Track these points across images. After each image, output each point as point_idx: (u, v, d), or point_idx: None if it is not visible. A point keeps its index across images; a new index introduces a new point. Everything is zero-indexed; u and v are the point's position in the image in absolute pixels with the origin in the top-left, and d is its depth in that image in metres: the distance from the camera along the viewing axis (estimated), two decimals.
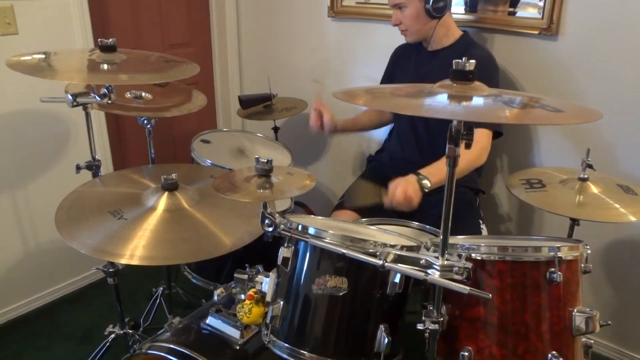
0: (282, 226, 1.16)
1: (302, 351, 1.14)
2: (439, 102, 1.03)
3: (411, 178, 1.58)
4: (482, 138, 1.75)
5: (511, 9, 2.00)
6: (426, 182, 1.58)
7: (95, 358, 1.86)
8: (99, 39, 1.52)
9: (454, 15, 1.94)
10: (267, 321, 1.18)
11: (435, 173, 1.61)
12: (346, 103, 1.09)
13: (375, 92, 1.21)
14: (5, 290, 2.26)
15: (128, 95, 1.86)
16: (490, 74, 1.80)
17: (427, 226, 1.65)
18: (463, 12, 2.12)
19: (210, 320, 1.36)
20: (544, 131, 2.08)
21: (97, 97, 1.46)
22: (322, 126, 2.05)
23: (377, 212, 1.77)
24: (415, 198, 1.54)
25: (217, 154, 2.02)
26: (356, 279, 1.13)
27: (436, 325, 1.07)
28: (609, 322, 1.28)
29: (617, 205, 1.44)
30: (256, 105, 2.47)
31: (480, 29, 2.09)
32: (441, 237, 1.01)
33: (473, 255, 1.15)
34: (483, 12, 2.08)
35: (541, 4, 1.92)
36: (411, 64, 2.01)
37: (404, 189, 1.53)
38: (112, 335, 1.85)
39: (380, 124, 2.25)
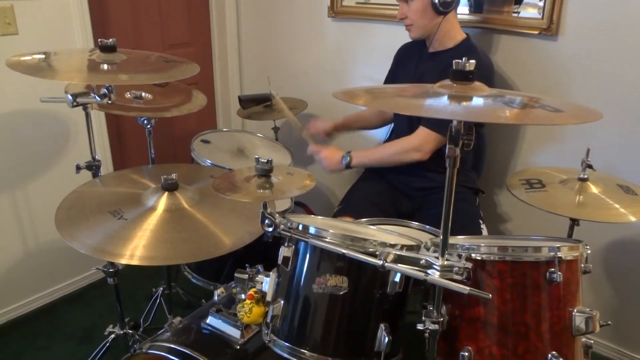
0: (282, 226, 1.16)
1: (302, 350, 1.14)
2: (439, 102, 1.03)
3: (337, 151, 1.97)
4: (424, 135, 1.83)
5: (516, 6, 2.00)
6: (345, 158, 1.93)
7: (95, 358, 1.86)
8: (99, 39, 1.51)
9: (458, 16, 1.93)
10: (268, 321, 1.18)
11: (361, 154, 1.95)
12: (346, 103, 1.09)
13: (376, 92, 1.21)
14: (6, 290, 2.26)
15: (128, 95, 1.86)
16: (484, 81, 1.80)
17: (427, 226, 1.65)
18: (467, 12, 2.12)
19: (210, 320, 1.36)
20: (544, 131, 2.08)
21: (97, 97, 1.46)
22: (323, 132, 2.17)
23: (380, 212, 1.78)
24: (324, 159, 1.99)
25: (217, 154, 2.02)
26: (356, 278, 1.13)
27: (436, 325, 1.07)
28: (609, 322, 1.28)
29: (617, 206, 1.44)
30: (256, 105, 2.47)
31: (482, 29, 2.09)
32: (441, 237, 1.01)
33: (473, 255, 1.15)
34: (488, 13, 2.08)
35: (541, 4, 1.92)
36: (412, 64, 2.00)
37: (321, 150, 2.00)
38: (112, 335, 1.85)
39: (383, 121, 2.25)
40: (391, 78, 2.14)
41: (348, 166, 1.94)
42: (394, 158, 1.91)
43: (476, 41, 1.93)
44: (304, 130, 2.19)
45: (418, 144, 1.84)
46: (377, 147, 2.12)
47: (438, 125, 1.78)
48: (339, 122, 2.19)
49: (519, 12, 1.99)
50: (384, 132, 2.28)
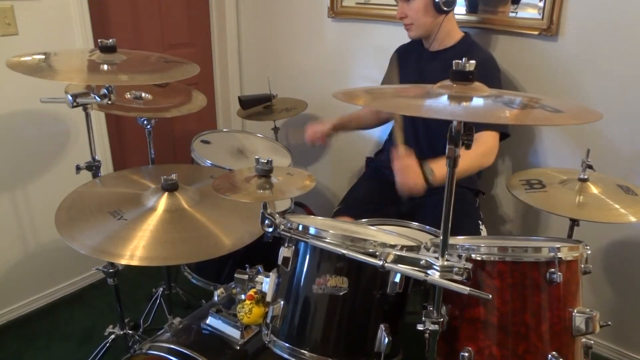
0: (282, 226, 1.16)
1: (302, 351, 1.14)
2: (439, 102, 1.03)
3: (417, 169, 1.60)
4: (488, 139, 1.75)
5: (514, 6, 1.99)
6: (429, 171, 1.59)
7: (95, 358, 1.86)
8: (99, 40, 1.52)
9: (455, 16, 1.93)
10: (268, 321, 1.18)
11: (441, 166, 1.59)
12: (346, 103, 1.09)
13: (375, 93, 1.21)
14: (6, 290, 2.26)
15: (128, 95, 1.86)
16: (491, 75, 1.80)
17: (427, 227, 1.65)
18: (464, 12, 2.12)
19: (210, 321, 1.36)
20: (544, 132, 2.08)
21: (97, 97, 1.46)
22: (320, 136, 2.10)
23: (380, 213, 1.77)
24: (414, 175, 1.58)
25: (217, 154, 2.02)
26: (356, 278, 1.13)
27: (436, 325, 1.07)
28: (609, 322, 1.28)
29: (617, 206, 1.44)
30: (256, 105, 2.47)
31: (481, 29, 2.09)
32: (441, 237, 1.01)
33: (473, 255, 1.15)
34: (484, 13, 2.08)
35: (541, 4, 1.92)
36: (413, 65, 2.00)
37: (408, 161, 1.60)
38: (112, 336, 1.85)
39: (379, 121, 2.25)
40: (389, 79, 2.13)
41: (429, 182, 1.60)
42: (476, 163, 1.74)
43: (475, 41, 1.93)
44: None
45: (489, 148, 1.75)
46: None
47: (495, 125, 1.76)
48: (336, 122, 2.18)
49: (516, 13, 1.99)
50: (383, 131, 2.28)
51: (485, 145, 1.74)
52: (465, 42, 1.89)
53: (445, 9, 1.79)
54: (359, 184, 2.14)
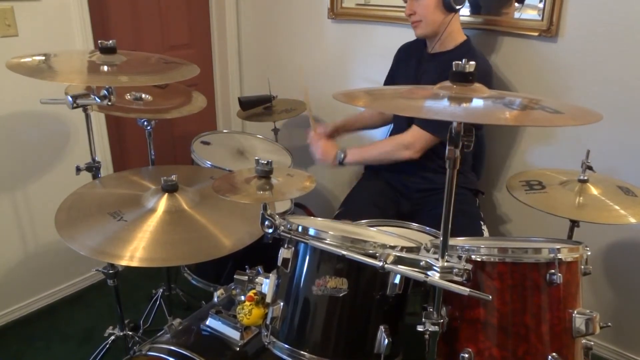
0: (282, 227, 1.16)
1: (302, 352, 1.14)
2: (439, 103, 1.03)
3: (335, 147, 1.99)
4: (418, 135, 1.84)
5: (519, 6, 1.99)
6: (340, 155, 1.95)
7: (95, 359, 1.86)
8: (99, 41, 1.51)
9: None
10: (267, 322, 1.18)
11: (355, 152, 1.96)
12: (346, 104, 1.09)
13: (375, 94, 1.21)
14: (6, 291, 2.26)
15: (128, 96, 1.86)
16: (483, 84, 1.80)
17: (427, 227, 1.65)
18: (468, 14, 2.12)
19: (210, 322, 1.36)
20: (544, 133, 2.08)
21: (97, 98, 1.46)
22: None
23: (380, 214, 1.78)
24: (325, 155, 1.98)
25: (217, 155, 2.02)
26: (356, 280, 1.13)
27: (436, 326, 1.06)
28: (609, 323, 1.28)
29: (617, 207, 1.44)
30: (256, 106, 2.47)
31: (481, 30, 2.10)
32: (441, 238, 1.01)
33: (473, 256, 1.15)
34: (487, 14, 2.08)
35: (541, 5, 1.92)
36: (411, 65, 2.00)
37: (324, 144, 2.00)
38: (112, 337, 1.85)
39: (384, 121, 2.25)
40: (391, 78, 2.14)
41: (342, 163, 1.95)
42: (385, 156, 1.93)
43: (476, 43, 1.94)
44: (311, 114, 2.17)
45: (409, 142, 1.86)
46: (370, 145, 2.10)
47: (430, 124, 1.78)
48: (339, 124, 2.19)
49: (521, 14, 1.99)
50: (384, 131, 2.28)
51: (411, 139, 1.85)
52: (464, 48, 1.88)
53: (455, 6, 1.78)
54: (359, 186, 2.13)
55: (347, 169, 2.74)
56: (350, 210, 1.93)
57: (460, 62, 1.03)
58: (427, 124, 1.80)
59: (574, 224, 1.55)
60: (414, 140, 1.85)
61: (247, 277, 1.25)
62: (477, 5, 2.11)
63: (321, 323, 1.15)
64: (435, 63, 1.89)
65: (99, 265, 1.76)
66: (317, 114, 2.71)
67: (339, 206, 2.04)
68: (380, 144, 1.99)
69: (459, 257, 1.04)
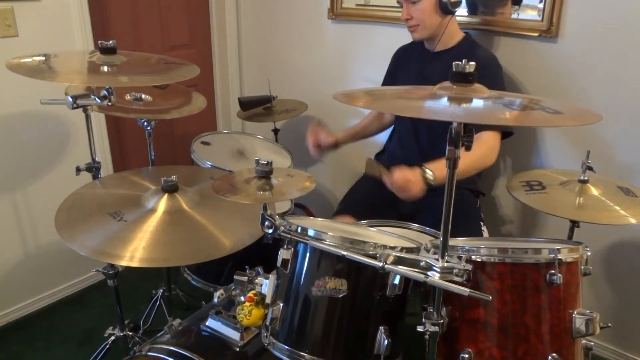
0: (282, 228, 1.16)
1: (301, 353, 1.14)
2: (439, 104, 1.03)
3: (416, 169, 1.60)
4: (489, 139, 1.74)
5: (515, 7, 1.99)
6: (429, 173, 1.58)
7: None
8: (99, 41, 1.52)
9: (457, 18, 1.93)
10: (267, 323, 1.18)
11: (441, 168, 1.59)
12: (346, 104, 1.09)
13: (376, 94, 1.21)
14: (5, 292, 2.26)
15: (128, 97, 1.86)
16: (493, 74, 1.80)
17: (427, 228, 1.65)
18: (465, 14, 2.12)
19: (210, 322, 1.36)
20: (544, 133, 2.08)
21: (97, 99, 1.46)
22: (321, 145, 2.02)
23: (380, 214, 1.77)
24: (414, 185, 1.56)
25: (217, 155, 2.02)
26: (356, 280, 1.12)
27: (436, 327, 1.06)
28: (609, 324, 1.28)
29: (617, 207, 1.44)
30: (256, 107, 2.47)
31: (481, 30, 2.10)
32: (441, 238, 1.01)
33: (473, 257, 1.15)
34: (483, 15, 2.09)
35: (541, 6, 1.92)
36: (414, 65, 2.00)
37: (404, 174, 1.57)
38: (112, 337, 1.84)
39: (381, 127, 2.24)
40: (390, 80, 2.13)
41: (432, 184, 1.60)
42: (478, 163, 1.74)
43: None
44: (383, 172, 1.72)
45: (493, 144, 1.75)
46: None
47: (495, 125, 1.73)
48: (340, 137, 2.12)
49: (518, 14, 1.99)
50: (384, 133, 2.28)
51: (485, 146, 1.73)
52: (467, 42, 1.89)
53: (452, 9, 1.78)
54: (359, 184, 2.13)
55: (347, 168, 2.75)
56: (349, 206, 1.93)
57: (460, 63, 1.03)
58: (496, 126, 1.72)
59: (574, 224, 1.55)
60: (493, 143, 1.75)
61: (246, 277, 1.25)
62: (473, 5, 2.11)
63: (321, 324, 1.15)
64: (441, 62, 1.89)
65: (99, 266, 1.76)
66: (317, 115, 2.71)
67: (338, 203, 2.04)
68: (466, 157, 1.78)
69: (459, 258, 1.04)
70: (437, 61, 1.91)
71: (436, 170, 1.59)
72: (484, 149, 1.72)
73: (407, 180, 1.56)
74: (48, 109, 2.20)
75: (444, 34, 1.85)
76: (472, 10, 2.11)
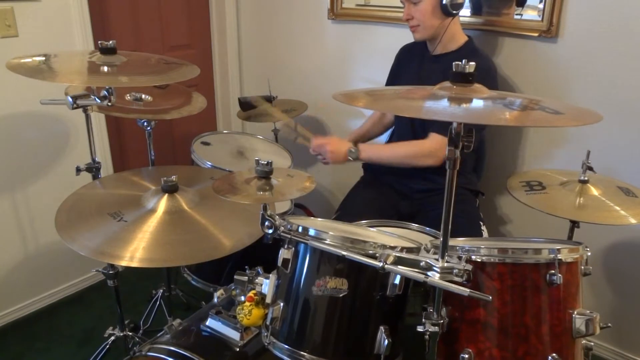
0: (282, 228, 1.16)
1: (302, 352, 1.14)
2: (439, 104, 1.03)
3: (345, 142, 1.90)
4: (439, 141, 1.79)
5: (519, 8, 1.99)
6: (353, 151, 1.87)
7: None
8: (99, 41, 1.52)
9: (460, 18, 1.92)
10: (267, 323, 1.18)
11: (370, 149, 1.92)
12: (346, 105, 1.09)
13: (376, 95, 1.21)
14: (5, 292, 2.26)
15: (128, 97, 1.86)
16: (487, 84, 1.79)
17: (427, 228, 1.65)
18: (468, 15, 2.11)
19: (210, 322, 1.36)
20: (544, 133, 2.08)
21: (97, 99, 1.46)
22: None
23: (377, 217, 1.77)
24: (334, 154, 1.89)
25: (217, 155, 2.02)
26: (356, 280, 1.13)
27: (436, 327, 1.07)
28: (609, 324, 1.28)
29: (617, 208, 1.44)
30: (256, 107, 2.46)
31: (482, 31, 2.09)
32: (441, 239, 1.01)
33: (473, 257, 1.15)
34: (487, 15, 2.08)
35: (541, 6, 1.92)
36: (414, 66, 2.00)
37: (323, 140, 1.89)
38: (112, 338, 1.85)
39: (385, 127, 2.24)
40: (392, 78, 2.13)
41: (355, 159, 1.90)
42: (405, 160, 1.88)
43: (477, 43, 1.93)
44: (297, 126, 2.10)
45: (432, 150, 1.80)
46: (387, 146, 2.09)
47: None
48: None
49: (521, 15, 1.99)
50: (383, 135, 2.28)
51: (434, 145, 1.80)
52: (468, 48, 1.87)
53: (452, 11, 1.78)
54: (357, 188, 2.12)
55: (347, 168, 2.74)
56: (348, 213, 1.93)
57: (460, 63, 1.03)
58: (447, 131, 1.75)
59: (574, 224, 1.55)
60: (438, 147, 1.78)
61: (247, 277, 1.25)
62: (478, 6, 2.10)
63: (321, 324, 1.15)
64: (439, 65, 1.88)
65: (99, 266, 1.76)
66: (317, 115, 2.71)
67: (336, 210, 2.04)
68: (399, 147, 1.93)
69: (459, 258, 1.04)
70: (435, 64, 1.91)
71: (363, 151, 1.88)
72: (428, 148, 1.82)
73: (324, 144, 1.90)
74: (48, 109, 2.20)
75: (445, 35, 1.84)
76: (477, 10, 2.11)
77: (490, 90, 1.12)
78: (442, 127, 1.76)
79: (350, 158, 1.90)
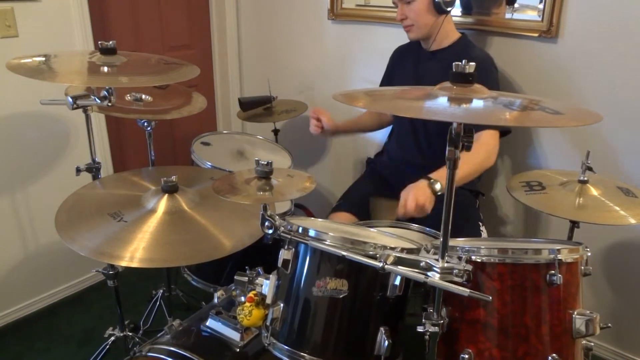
0: (282, 228, 1.16)
1: (302, 353, 1.14)
2: (439, 104, 1.03)
3: (421, 184, 1.55)
4: (489, 139, 1.74)
5: (510, 7, 1.99)
6: (437, 185, 1.54)
7: None
8: (99, 42, 1.52)
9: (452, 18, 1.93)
10: (267, 323, 1.18)
11: (445, 176, 1.57)
12: (346, 105, 1.09)
13: (375, 95, 1.21)
14: (5, 292, 2.26)
15: (128, 97, 1.86)
16: (487, 74, 1.80)
17: (427, 228, 1.65)
18: (459, 14, 2.11)
19: (210, 323, 1.36)
20: (544, 133, 2.08)
21: (97, 99, 1.46)
22: (322, 128, 2.07)
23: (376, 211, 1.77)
24: (427, 204, 1.51)
25: (217, 156, 2.02)
26: (356, 281, 1.13)
27: (436, 327, 1.07)
28: (609, 324, 1.28)
29: (617, 208, 1.44)
30: (256, 107, 2.47)
31: (480, 31, 2.10)
32: (441, 239, 1.01)
33: (473, 257, 1.15)
34: (478, 15, 2.09)
35: (541, 6, 1.92)
36: (410, 65, 2.00)
37: (415, 197, 1.51)
38: (112, 338, 1.85)
39: (380, 125, 2.25)
40: (387, 80, 2.14)
41: (437, 194, 1.57)
42: (481, 166, 1.72)
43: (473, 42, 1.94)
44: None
45: (493, 144, 1.75)
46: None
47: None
48: (340, 125, 2.18)
49: (512, 14, 1.99)
50: (383, 133, 2.28)
51: (486, 147, 1.72)
52: (463, 42, 1.89)
53: (446, 9, 1.79)
54: (359, 182, 2.14)
55: (347, 168, 2.75)
56: (349, 204, 1.94)
57: (460, 63, 1.03)
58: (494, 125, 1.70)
59: (574, 224, 1.55)
60: (494, 143, 1.74)
61: (247, 278, 1.25)
62: (468, 5, 2.11)
63: (321, 324, 1.15)
64: (436, 61, 1.89)
65: (99, 266, 1.76)
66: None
67: (338, 199, 2.05)
68: (468, 158, 1.59)
69: (459, 258, 1.04)
70: (431, 60, 1.91)
71: (442, 179, 1.54)
72: (484, 151, 1.71)
73: (418, 202, 1.50)
74: (48, 110, 2.20)
75: (439, 33, 1.85)
76: (467, 10, 2.11)
77: (488, 83, 1.12)
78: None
79: (437, 193, 1.55)
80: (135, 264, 1.16)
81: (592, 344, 1.22)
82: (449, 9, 1.80)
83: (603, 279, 2.07)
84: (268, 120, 2.46)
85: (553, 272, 1.12)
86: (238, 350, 1.30)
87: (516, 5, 1.99)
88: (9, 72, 1.38)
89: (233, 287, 1.28)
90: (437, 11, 1.80)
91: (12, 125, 2.13)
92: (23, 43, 2.06)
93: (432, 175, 1.57)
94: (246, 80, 3.10)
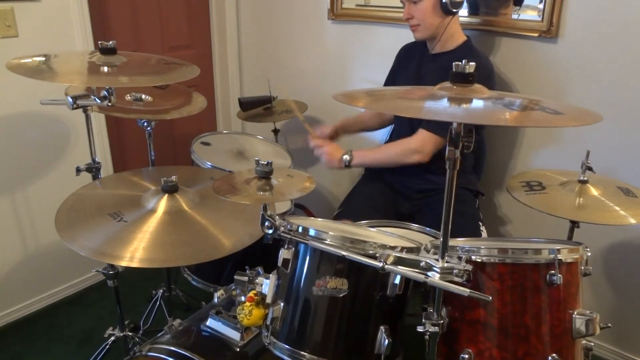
0: (282, 228, 1.16)
1: (302, 352, 1.14)
2: (439, 104, 1.03)
3: (338, 152, 1.91)
4: (425, 137, 1.83)
5: (517, 8, 1.99)
6: (346, 158, 1.89)
7: None
8: (99, 42, 1.52)
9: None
10: (268, 323, 1.18)
11: (363, 155, 1.93)
12: (347, 105, 1.09)
13: (376, 95, 1.21)
14: (5, 292, 2.26)
15: (128, 97, 1.86)
16: (482, 83, 1.79)
17: (427, 228, 1.65)
18: (466, 15, 2.11)
19: (210, 322, 1.36)
20: (544, 133, 2.08)
21: (97, 99, 1.46)
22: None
23: (378, 216, 1.77)
24: (328, 164, 1.94)
25: (217, 156, 2.02)
26: (356, 280, 1.13)
27: (436, 327, 1.06)
28: (609, 324, 1.28)
29: (617, 208, 1.44)
30: (256, 107, 2.47)
31: (481, 31, 2.10)
32: (441, 239, 1.01)
33: (473, 257, 1.15)
34: (485, 15, 2.08)
35: (541, 6, 1.92)
36: (413, 65, 2.00)
37: (327, 154, 1.93)
38: (112, 338, 1.85)
39: (382, 124, 2.25)
40: (392, 78, 2.14)
41: (348, 165, 1.92)
42: (395, 159, 1.91)
43: (476, 43, 1.93)
44: (305, 121, 2.13)
45: (418, 146, 1.84)
46: (378, 148, 2.11)
47: (438, 127, 1.78)
48: (338, 125, 2.19)
49: (519, 15, 1.99)
50: (384, 133, 2.28)
51: (409, 144, 1.86)
52: (465, 47, 1.88)
53: (452, 10, 1.78)
54: (359, 186, 2.14)
55: (348, 170, 2.74)
56: (349, 210, 1.93)
57: (460, 63, 1.03)
58: (435, 127, 1.79)
59: (574, 224, 1.55)
60: (423, 144, 1.83)
61: (247, 277, 1.25)
62: (475, 6, 2.11)
63: (321, 323, 1.15)
64: (436, 64, 1.89)
65: (99, 266, 1.76)
66: (318, 115, 2.71)
67: (338, 207, 2.04)
68: (388, 148, 1.98)
69: (459, 258, 1.04)
70: (433, 63, 1.91)
71: (356, 157, 1.90)
72: (414, 146, 1.85)
73: (325, 158, 1.94)
74: (48, 110, 2.20)
75: (445, 34, 1.85)
76: (474, 10, 2.11)
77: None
78: (430, 123, 1.78)
79: (344, 164, 1.91)
80: (135, 264, 1.16)
81: (592, 344, 1.22)
82: (455, 10, 1.79)
83: (603, 279, 2.07)
84: (268, 120, 2.46)
85: (553, 272, 1.12)
86: (238, 349, 1.30)
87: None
88: (9, 72, 1.38)
89: (233, 287, 1.28)
90: (444, 12, 1.79)
91: (12, 125, 2.13)
92: (23, 43, 2.06)
93: (355, 151, 1.91)
94: (246, 81, 3.10)
